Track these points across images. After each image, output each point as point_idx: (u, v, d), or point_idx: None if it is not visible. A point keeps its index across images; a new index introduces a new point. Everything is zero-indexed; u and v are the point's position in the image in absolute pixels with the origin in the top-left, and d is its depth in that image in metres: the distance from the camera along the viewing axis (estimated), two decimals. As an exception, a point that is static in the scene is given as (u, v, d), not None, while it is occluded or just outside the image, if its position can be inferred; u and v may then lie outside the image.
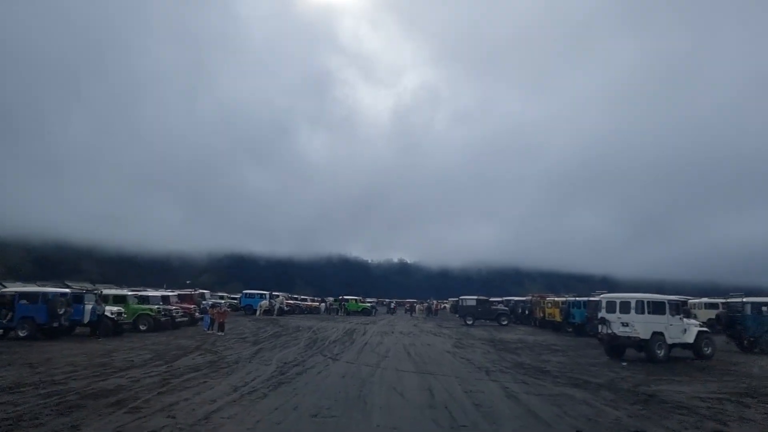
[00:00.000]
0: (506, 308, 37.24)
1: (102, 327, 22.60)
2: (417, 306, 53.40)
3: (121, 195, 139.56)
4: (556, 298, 32.00)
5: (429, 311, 52.36)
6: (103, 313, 22.67)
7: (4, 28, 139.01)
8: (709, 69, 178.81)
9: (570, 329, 29.41)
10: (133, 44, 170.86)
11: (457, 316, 38.02)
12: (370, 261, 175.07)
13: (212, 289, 53.06)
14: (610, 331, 17.57)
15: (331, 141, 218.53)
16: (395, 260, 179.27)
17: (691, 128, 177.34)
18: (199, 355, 16.89)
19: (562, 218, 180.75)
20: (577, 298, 28.41)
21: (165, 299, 30.09)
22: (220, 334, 25.28)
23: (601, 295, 18.51)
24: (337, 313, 50.93)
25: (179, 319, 28.59)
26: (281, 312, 41.65)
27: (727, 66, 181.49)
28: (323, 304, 52.12)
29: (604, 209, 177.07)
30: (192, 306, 31.54)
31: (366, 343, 22.19)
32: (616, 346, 17.86)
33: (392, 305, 67.88)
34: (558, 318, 30.65)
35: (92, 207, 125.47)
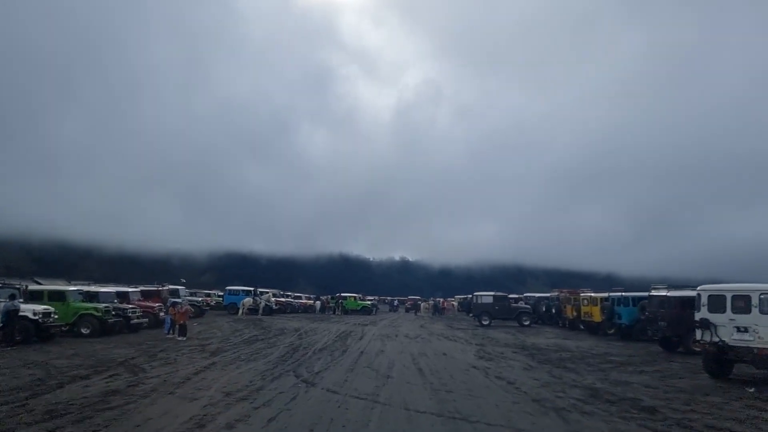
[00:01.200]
0: (528, 306, 31.40)
1: (18, 331, 16.86)
2: (422, 304, 47.59)
3: (120, 193, 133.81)
4: (594, 294, 26.07)
5: (435, 309, 46.55)
6: (17, 314, 16.87)
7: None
8: (718, 61, 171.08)
9: (611, 331, 23.54)
10: (130, 40, 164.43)
11: (470, 315, 32.10)
12: (372, 259, 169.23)
13: (213, 289, 47.39)
14: (717, 340, 11.69)
15: (332, 138, 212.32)
16: (397, 258, 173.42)
17: (699, 123, 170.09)
18: (112, 376, 11.05)
19: (565, 215, 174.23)
20: (624, 294, 22.49)
21: (123, 296, 24.34)
22: (180, 339, 19.58)
23: (700, 288, 12.55)
24: (333, 312, 45.18)
25: (136, 321, 22.82)
26: (269, 311, 35.94)
27: (737, 58, 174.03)
28: (318, 302, 46.32)
29: (608, 206, 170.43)
30: (156, 305, 25.72)
31: (362, 353, 16.36)
32: (725, 361, 12.00)
33: (395, 303, 62.48)
34: (596, 318, 24.73)
35: (91, 205, 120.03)
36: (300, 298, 49.72)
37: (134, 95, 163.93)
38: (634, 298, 21.98)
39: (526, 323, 29.95)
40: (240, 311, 31.69)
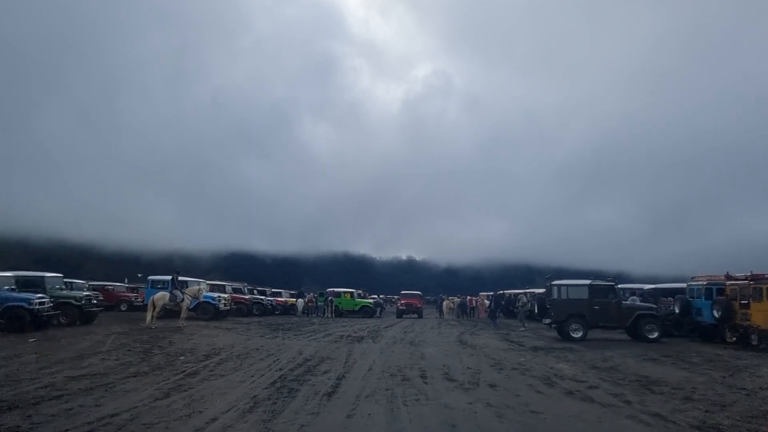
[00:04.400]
0: (652, 306, 16.54)
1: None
2: (446, 302, 33.01)
3: (117, 190, 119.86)
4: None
5: (463, 310, 32.18)
6: None
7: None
8: (743, 46, 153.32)
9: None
10: (119, 28, 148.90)
11: (544, 322, 17.11)
12: (378, 258, 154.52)
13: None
14: None
15: (336, 132, 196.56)
16: (404, 257, 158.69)
17: (719, 113, 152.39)
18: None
19: (576, 211, 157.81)
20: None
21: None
22: None
23: None
24: (323, 314, 30.74)
25: None
26: (211, 313, 21.63)
27: (764, 42, 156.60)
28: (300, 301, 31.93)
29: (622, 201, 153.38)
30: None
31: None
32: None
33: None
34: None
35: (88, 203, 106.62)
36: (280, 294, 35.16)
37: (126, 87, 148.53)
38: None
39: (653, 336, 15.39)
40: (149, 315, 17.37)
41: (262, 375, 9.00)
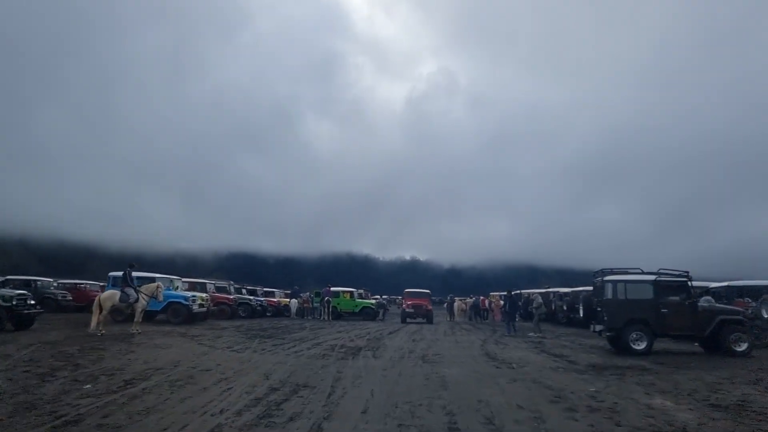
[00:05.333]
0: (736, 309, 12.49)
1: None
2: (457, 303, 28.97)
3: (119, 190, 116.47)
4: None
5: (476, 312, 28.24)
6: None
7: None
8: (754, 42, 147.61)
9: None
10: (118, 24, 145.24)
11: (598, 329, 12.95)
12: (381, 259, 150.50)
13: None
14: None
15: (339, 131, 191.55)
16: (407, 258, 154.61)
17: (729, 111, 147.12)
18: None
19: (581, 211, 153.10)
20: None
21: None
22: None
23: None
24: (319, 316, 26.93)
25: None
26: (185, 315, 17.86)
27: None
28: (293, 301, 28.10)
29: (628, 200, 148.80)
30: None
31: None
32: None
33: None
34: None
35: (90, 203, 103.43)
36: (273, 294, 31.30)
37: (126, 85, 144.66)
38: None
39: (741, 348, 11.50)
40: (93, 319, 13.49)
41: (182, 428, 5.17)
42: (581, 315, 12.52)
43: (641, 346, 11.97)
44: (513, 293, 20.07)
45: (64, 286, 26.92)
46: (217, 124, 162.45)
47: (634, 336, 12.01)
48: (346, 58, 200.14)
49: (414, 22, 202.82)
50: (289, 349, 12.00)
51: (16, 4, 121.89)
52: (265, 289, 31.47)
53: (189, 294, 18.94)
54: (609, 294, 12.34)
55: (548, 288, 28.79)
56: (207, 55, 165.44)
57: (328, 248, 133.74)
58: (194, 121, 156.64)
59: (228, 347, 11.83)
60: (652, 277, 12.15)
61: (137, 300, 14.13)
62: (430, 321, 26.00)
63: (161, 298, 14.48)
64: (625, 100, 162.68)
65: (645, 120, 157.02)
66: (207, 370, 8.64)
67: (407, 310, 26.76)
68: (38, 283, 25.20)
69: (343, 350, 12.06)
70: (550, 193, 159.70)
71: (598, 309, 12.84)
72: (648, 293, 12.07)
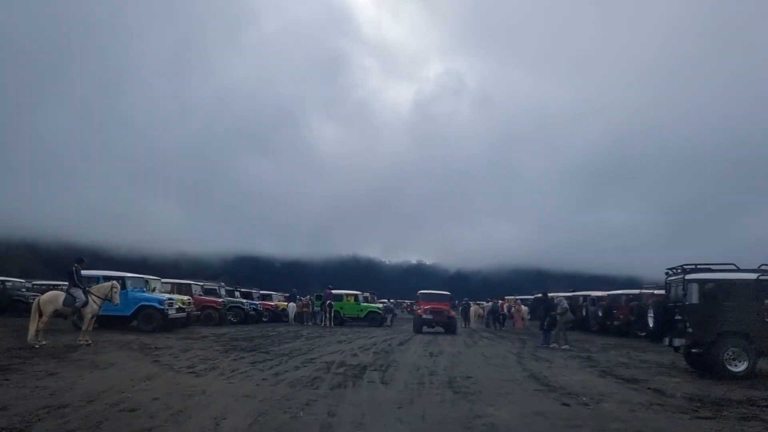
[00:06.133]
0: None
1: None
2: (473, 308, 25.60)
3: (123, 192, 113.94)
4: None
5: (495, 318, 24.93)
6: None
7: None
8: (764, 39, 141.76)
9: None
10: (128, 28, 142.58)
11: (681, 343, 9.60)
12: (386, 262, 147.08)
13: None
14: None
15: (345, 133, 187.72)
16: (413, 261, 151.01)
17: (737, 109, 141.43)
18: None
19: (588, 213, 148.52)
20: None
21: None
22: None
23: None
24: (320, 322, 23.86)
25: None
26: (163, 322, 14.90)
27: None
28: (292, 305, 25.00)
29: (635, 202, 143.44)
30: None
31: None
32: None
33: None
34: None
35: (97, 206, 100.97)
36: (270, 297, 28.24)
37: (131, 86, 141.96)
38: None
39: None
40: (32, 327, 10.53)
41: None
42: (651, 325, 9.48)
43: (739, 367, 8.80)
44: (547, 296, 16.78)
45: (39, 288, 24.03)
46: (222, 125, 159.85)
47: (731, 353, 8.83)
48: (352, 59, 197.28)
49: (421, 23, 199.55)
50: (269, 369, 8.91)
51: (21, 5, 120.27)
52: (261, 291, 28.41)
53: (164, 296, 15.90)
54: (694, 298, 9.16)
55: (574, 291, 25.54)
56: (212, 56, 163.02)
57: (334, 251, 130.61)
58: (199, 122, 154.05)
59: (188, 367, 8.75)
60: (754, 276, 8.98)
61: (86, 303, 11.11)
62: (452, 331, 20.31)
63: (117, 301, 11.45)
64: (634, 101, 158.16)
65: (653, 120, 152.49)
66: (132, 411, 5.57)
67: (424, 316, 20.57)
68: (7, 284, 22.34)
69: (341, 370, 8.96)
70: (558, 195, 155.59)
71: (677, 317, 9.63)
72: (749, 297, 8.89)
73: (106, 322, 15.97)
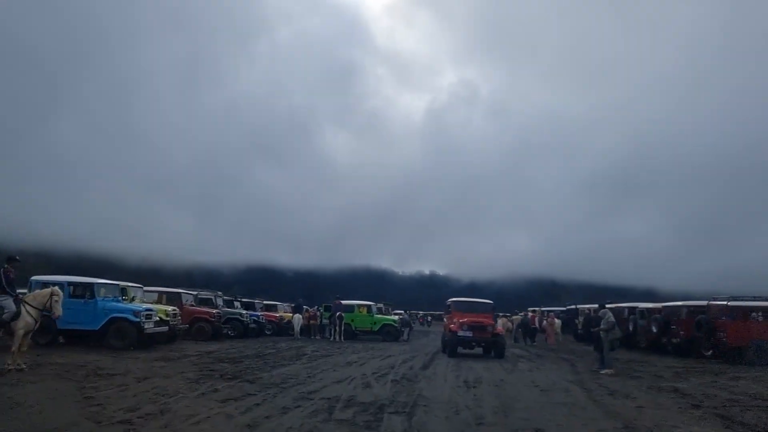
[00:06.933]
0: None
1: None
2: (502, 320, 22.30)
3: (139, 203, 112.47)
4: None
5: (525, 332, 21.70)
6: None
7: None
8: None
9: None
10: (140, 38, 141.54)
11: None
12: (399, 273, 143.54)
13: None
14: None
15: (358, 143, 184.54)
16: (426, 272, 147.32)
17: (758, 118, 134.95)
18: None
19: (604, 224, 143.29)
20: None
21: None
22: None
23: None
24: (329, 336, 20.99)
25: None
26: (138, 338, 12.17)
27: None
28: (297, 317, 22.11)
29: (652, 213, 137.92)
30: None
31: None
32: None
33: (429, 319, 37.59)
34: None
35: (111, 216, 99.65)
36: (275, 308, 25.40)
37: (143, 97, 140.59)
38: None
39: None
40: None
41: None
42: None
43: None
44: (602, 309, 13.48)
45: None
46: (234, 135, 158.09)
47: None
48: (364, 69, 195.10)
49: (434, 32, 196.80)
50: (244, 414, 6.03)
51: (32, 15, 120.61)
52: (265, 302, 25.56)
53: (141, 307, 13.14)
54: None
55: (614, 303, 22.31)
56: (224, 66, 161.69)
57: (346, 261, 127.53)
58: (211, 132, 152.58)
59: (125, 411, 5.92)
60: None
61: (16, 315, 8.37)
62: (500, 354, 14.91)
63: (58, 313, 8.67)
64: (650, 108, 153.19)
65: (670, 128, 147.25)
66: None
67: (460, 333, 14.87)
68: None
69: (348, 415, 6.07)
70: (573, 205, 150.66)
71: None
72: None
73: (73, 339, 13.34)
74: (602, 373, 11.49)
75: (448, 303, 17.38)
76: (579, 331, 23.40)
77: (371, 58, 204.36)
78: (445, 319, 18.00)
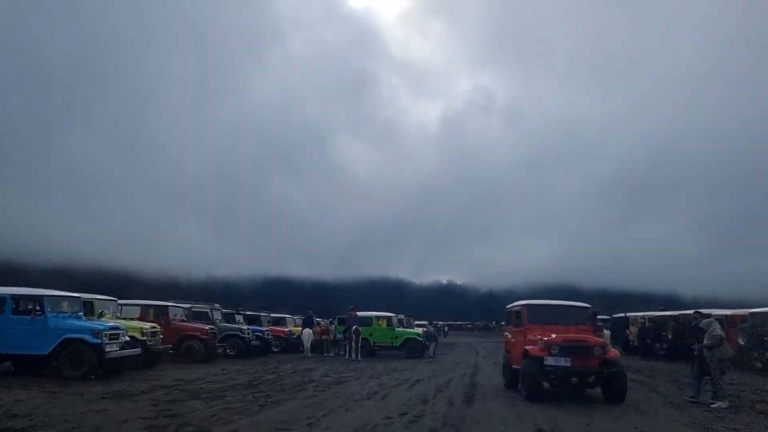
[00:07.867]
0: None
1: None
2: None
3: (157, 216, 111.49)
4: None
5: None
6: None
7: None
8: None
9: None
10: (154, 50, 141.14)
11: None
12: (416, 283, 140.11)
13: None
14: None
15: (373, 152, 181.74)
16: (444, 281, 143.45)
17: None
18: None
19: (624, 230, 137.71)
20: None
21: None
22: None
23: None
24: (344, 353, 17.93)
25: None
26: (98, 364, 9.27)
27: None
28: (307, 331, 19.00)
29: (673, 218, 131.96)
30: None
31: None
32: None
33: (445, 329, 33.44)
34: None
35: (129, 230, 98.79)
36: (283, 322, 22.37)
37: (159, 110, 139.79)
38: None
39: None
40: None
41: None
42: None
43: None
44: (697, 318, 10.21)
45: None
46: (249, 146, 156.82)
47: None
48: (378, 78, 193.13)
49: (448, 40, 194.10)
50: None
51: (49, 32, 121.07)
52: (272, 314, 22.55)
53: (104, 325, 10.23)
54: None
55: (668, 311, 18.81)
56: (238, 77, 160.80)
57: (363, 272, 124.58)
58: (227, 143, 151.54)
59: None
60: None
61: None
62: (619, 397, 8.65)
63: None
64: (668, 110, 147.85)
65: (689, 130, 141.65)
66: None
67: (551, 362, 8.45)
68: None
69: None
70: (592, 211, 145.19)
71: None
72: None
73: (22, 365, 10.50)
74: (714, 407, 8.22)
75: (516, 308, 10.56)
76: (631, 343, 19.91)
77: (385, 67, 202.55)
78: (508, 334, 11.16)
